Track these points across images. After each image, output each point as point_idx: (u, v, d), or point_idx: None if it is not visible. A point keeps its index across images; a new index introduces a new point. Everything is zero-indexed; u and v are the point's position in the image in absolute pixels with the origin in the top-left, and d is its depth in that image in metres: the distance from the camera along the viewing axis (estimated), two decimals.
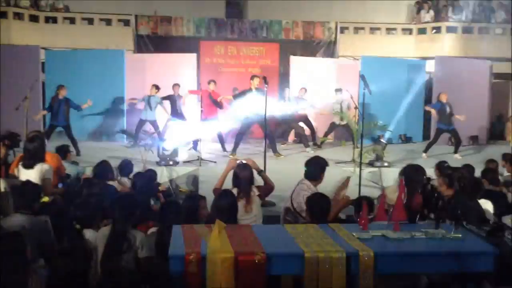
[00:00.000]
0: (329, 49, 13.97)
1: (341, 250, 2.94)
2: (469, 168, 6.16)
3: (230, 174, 4.66)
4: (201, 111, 9.13)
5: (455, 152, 9.99)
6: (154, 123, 10.37)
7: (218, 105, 9.84)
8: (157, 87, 10.38)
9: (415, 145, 11.64)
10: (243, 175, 4.48)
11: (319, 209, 3.87)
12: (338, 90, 10.96)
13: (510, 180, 6.19)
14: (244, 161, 4.75)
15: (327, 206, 3.94)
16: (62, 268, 2.60)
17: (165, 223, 3.57)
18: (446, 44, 14.61)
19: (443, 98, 10.03)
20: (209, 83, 10.10)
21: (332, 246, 3.00)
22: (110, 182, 5.21)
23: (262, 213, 4.59)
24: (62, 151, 6.37)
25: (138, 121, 10.42)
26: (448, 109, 9.99)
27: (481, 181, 5.13)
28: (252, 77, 9.18)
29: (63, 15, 14.28)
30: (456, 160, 9.12)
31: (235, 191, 4.43)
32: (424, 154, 9.92)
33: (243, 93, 9.25)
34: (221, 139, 10.01)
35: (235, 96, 9.50)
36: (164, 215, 3.82)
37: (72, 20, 14.26)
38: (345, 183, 4.59)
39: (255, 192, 4.51)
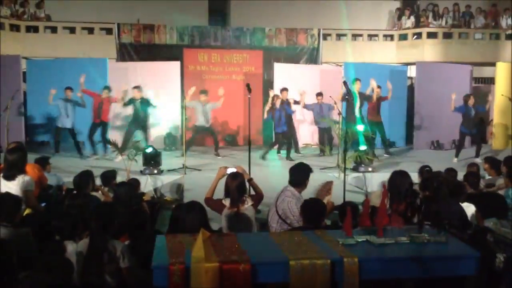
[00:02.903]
0: (312, 56, 14.05)
1: (326, 257, 2.94)
2: (451, 171, 6.24)
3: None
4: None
5: (477, 156, 10.08)
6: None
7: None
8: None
9: (398, 150, 11.76)
10: (235, 184, 4.35)
11: (315, 214, 3.88)
12: (319, 94, 11.01)
13: (492, 183, 6.28)
14: (234, 169, 4.71)
15: (322, 211, 3.96)
16: (43, 281, 2.55)
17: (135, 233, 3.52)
18: (427, 50, 14.82)
19: (470, 102, 10.12)
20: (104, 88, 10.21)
21: (316, 253, 3.00)
22: (93, 193, 5.16)
23: (256, 223, 4.52)
24: (42, 162, 6.28)
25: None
26: (472, 113, 10.11)
27: (463, 184, 5.19)
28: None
29: (45, 24, 14.16)
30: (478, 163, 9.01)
31: (227, 201, 4.36)
32: (455, 159, 10.06)
33: None
34: None
35: None
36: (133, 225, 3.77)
37: (53, 29, 14.15)
38: (327, 187, 4.61)
39: (249, 201, 4.40)
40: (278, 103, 10.26)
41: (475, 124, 10.30)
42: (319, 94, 10.97)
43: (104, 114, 10.22)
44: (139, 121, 10.32)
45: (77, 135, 10.26)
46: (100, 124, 10.25)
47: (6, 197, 3.94)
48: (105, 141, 10.19)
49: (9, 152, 4.91)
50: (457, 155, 10.22)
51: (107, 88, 10.27)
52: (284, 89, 10.65)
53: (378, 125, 10.62)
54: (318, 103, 10.93)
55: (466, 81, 12.59)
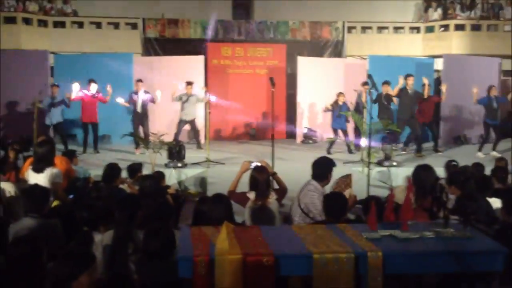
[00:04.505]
0: (337, 49, 13.94)
1: (350, 251, 2.93)
2: (478, 166, 6.12)
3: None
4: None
5: (494, 149, 9.94)
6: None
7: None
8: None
9: (425, 144, 11.57)
10: (261, 178, 4.38)
11: (337, 207, 3.87)
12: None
13: None
14: (258, 163, 4.73)
15: (344, 205, 3.94)
16: (64, 272, 2.61)
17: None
18: (454, 42, 14.52)
19: (492, 93, 9.98)
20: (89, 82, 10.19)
21: (340, 247, 2.99)
22: (119, 186, 5.24)
23: (280, 216, 4.54)
24: (70, 155, 6.42)
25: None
26: (495, 104, 9.97)
27: (490, 179, 5.09)
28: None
29: (71, 19, 14.39)
30: (494, 157, 8.86)
31: (252, 195, 4.38)
32: (479, 153, 9.93)
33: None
34: None
35: None
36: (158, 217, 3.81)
37: (80, 24, 14.37)
38: (346, 181, 4.58)
39: (273, 195, 4.42)
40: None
41: (499, 116, 10.08)
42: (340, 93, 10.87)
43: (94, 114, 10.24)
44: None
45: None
46: (89, 123, 10.28)
47: (35, 189, 4.03)
48: (97, 139, 10.27)
49: (39, 145, 5.05)
50: (480, 149, 10.03)
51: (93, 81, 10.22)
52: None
53: (428, 125, 10.52)
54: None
55: (495, 74, 12.31)
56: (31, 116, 9.67)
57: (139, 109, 10.28)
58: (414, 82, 10.18)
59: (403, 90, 9.96)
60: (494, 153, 9.65)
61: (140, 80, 10.44)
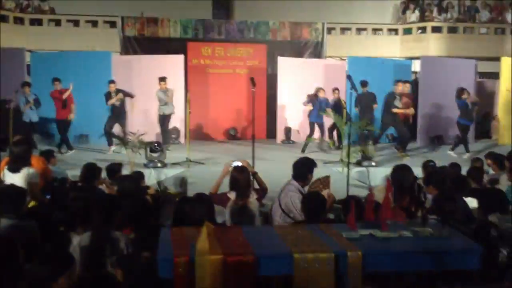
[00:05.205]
0: (316, 50, 14.01)
1: (330, 250, 2.95)
2: (455, 166, 6.23)
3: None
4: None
5: (467, 151, 10.08)
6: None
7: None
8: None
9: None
10: (241, 178, 4.37)
11: (315, 207, 3.88)
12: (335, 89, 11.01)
13: (496, 178, 6.26)
14: (239, 163, 4.71)
15: (322, 205, 3.96)
16: (42, 273, 2.57)
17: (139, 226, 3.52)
18: (432, 44, 14.75)
19: (464, 96, 10.13)
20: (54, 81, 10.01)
21: (321, 246, 3.02)
22: (99, 186, 5.18)
23: (260, 217, 4.54)
24: (47, 155, 6.31)
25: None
26: (470, 105, 10.16)
27: (466, 179, 5.19)
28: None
29: (49, 17, 14.15)
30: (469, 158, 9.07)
31: (233, 195, 4.37)
32: (451, 152, 10.10)
33: None
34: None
35: None
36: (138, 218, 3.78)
37: (57, 22, 14.15)
38: (323, 181, 4.61)
39: (254, 195, 4.42)
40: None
41: (474, 116, 10.34)
42: (336, 89, 10.97)
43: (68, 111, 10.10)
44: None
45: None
46: (64, 121, 10.14)
47: (11, 189, 3.96)
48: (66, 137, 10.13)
49: (14, 145, 4.95)
50: (453, 148, 10.20)
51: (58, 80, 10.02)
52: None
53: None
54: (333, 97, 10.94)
55: (471, 76, 12.53)
56: (7, 115, 9.49)
57: (115, 106, 10.20)
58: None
59: (390, 94, 10.04)
60: (468, 155, 9.80)
61: (112, 81, 10.32)
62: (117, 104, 10.16)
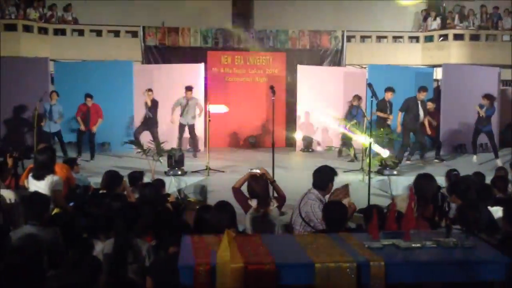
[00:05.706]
0: (336, 58, 13.98)
1: (352, 260, 2.91)
2: (479, 175, 6.12)
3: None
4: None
5: (496, 157, 10.13)
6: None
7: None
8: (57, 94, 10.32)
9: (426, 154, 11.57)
10: (257, 187, 4.39)
11: (336, 216, 3.85)
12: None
13: None
14: (258, 171, 4.71)
15: (344, 214, 3.93)
16: (71, 280, 2.59)
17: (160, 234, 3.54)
18: (454, 52, 14.58)
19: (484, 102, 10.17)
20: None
21: (342, 256, 2.97)
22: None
23: (279, 224, 4.52)
24: (70, 163, 6.40)
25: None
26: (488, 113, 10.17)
27: (491, 188, 5.09)
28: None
29: (72, 27, 14.45)
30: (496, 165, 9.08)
31: (254, 202, 4.38)
32: (474, 157, 10.21)
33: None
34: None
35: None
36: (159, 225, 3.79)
37: (80, 32, 14.43)
38: (343, 191, 4.57)
39: (274, 203, 4.44)
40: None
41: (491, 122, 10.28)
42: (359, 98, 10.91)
43: (91, 123, 10.28)
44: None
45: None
46: (87, 132, 10.33)
47: (35, 196, 4.02)
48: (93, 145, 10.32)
49: (39, 153, 5.03)
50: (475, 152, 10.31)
51: (90, 96, 10.26)
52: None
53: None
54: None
55: (494, 84, 12.33)
56: (32, 123, 9.67)
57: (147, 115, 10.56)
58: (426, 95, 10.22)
59: (412, 99, 9.94)
60: (498, 161, 9.70)
61: (150, 90, 10.60)
62: (149, 103, 10.41)
